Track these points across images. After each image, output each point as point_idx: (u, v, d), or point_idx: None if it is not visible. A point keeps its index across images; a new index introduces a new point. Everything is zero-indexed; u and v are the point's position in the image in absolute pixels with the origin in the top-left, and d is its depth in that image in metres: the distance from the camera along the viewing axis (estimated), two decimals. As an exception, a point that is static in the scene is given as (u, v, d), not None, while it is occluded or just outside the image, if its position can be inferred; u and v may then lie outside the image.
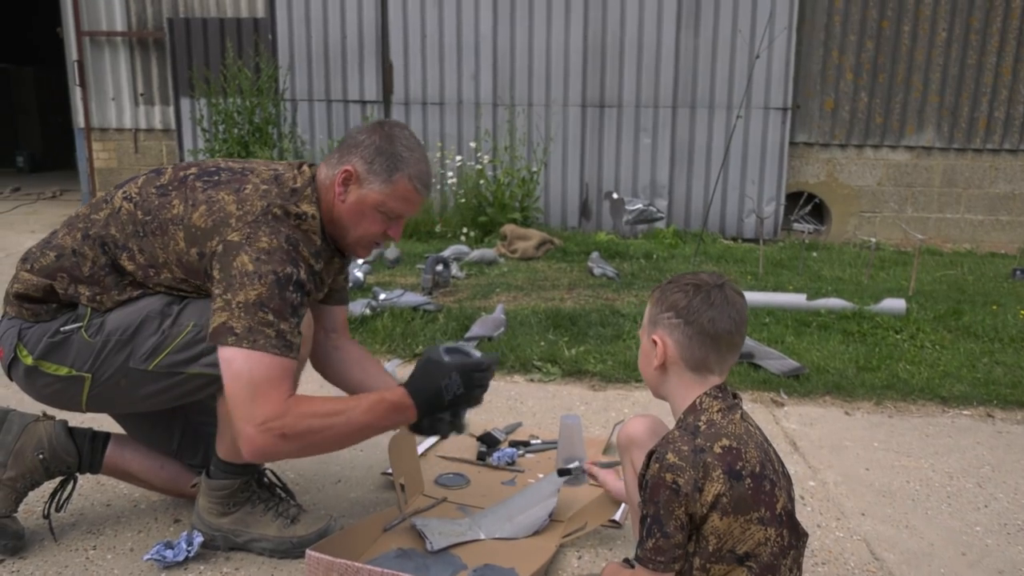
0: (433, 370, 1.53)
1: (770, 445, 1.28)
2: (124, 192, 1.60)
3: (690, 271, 1.37)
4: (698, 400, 1.26)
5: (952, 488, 2.10)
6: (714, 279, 1.30)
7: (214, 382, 1.52)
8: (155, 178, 1.60)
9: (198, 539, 1.65)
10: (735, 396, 1.29)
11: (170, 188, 1.57)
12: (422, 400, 1.52)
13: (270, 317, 1.42)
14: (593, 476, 1.81)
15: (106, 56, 6.60)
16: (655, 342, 1.29)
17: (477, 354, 1.58)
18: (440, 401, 1.52)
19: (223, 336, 1.41)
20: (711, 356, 1.27)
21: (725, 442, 1.20)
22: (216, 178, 1.57)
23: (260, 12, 6.29)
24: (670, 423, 1.33)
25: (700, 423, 1.23)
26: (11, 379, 1.63)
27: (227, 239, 1.47)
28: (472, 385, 1.53)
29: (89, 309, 1.57)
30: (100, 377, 1.56)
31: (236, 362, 1.40)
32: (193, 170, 1.60)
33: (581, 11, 5.95)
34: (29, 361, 1.57)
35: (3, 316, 1.63)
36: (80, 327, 1.55)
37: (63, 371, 1.56)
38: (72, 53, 6.57)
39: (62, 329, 1.55)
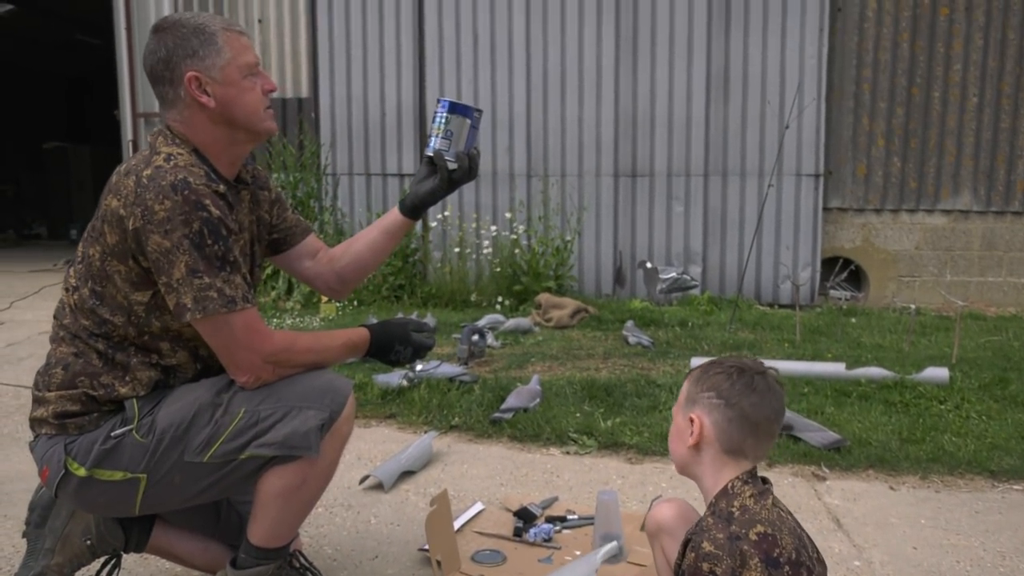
0: (393, 326, 1.79)
1: (803, 530, 1.28)
2: (64, 287, 1.63)
3: (730, 355, 1.39)
4: (730, 484, 1.26)
5: (1005, 569, 2.03)
6: (757, 365, 1.31)
7: (266, 463, 1.55)
8: (74, 257, 1.64)
9: None
10: (765, 481, 1.29)
11: (86, 246, 1.58)
12: (376, 341, 1.75)
13: (206, 280, 1.48)
14: None
15: (159, 136, 6.94)
16: (692, 420, 1.30)
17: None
18: (391, 345, 1.77)
19: (182, 315, 1.49)
20: (748, 441, 1.28)
21: (760, 529, 1.19)
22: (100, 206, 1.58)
23: (304, 92, 6.59)
24: (696, 503, 1.33)
25: (734, 509, 1.23)
26: (57, 496, 1.61)
27: (130, 231, 1.47)
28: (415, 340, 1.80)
29: (137, 409, 1.56)
30: (155, 476, 1.55)
31: (205, 332, 1.52)
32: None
33: (612, 88, 6.12)
34: (82, 472, 1.54)
35: (36, 440, 1.60)
36: (131, 429, 1.54)
37: (118, 475, 1.54)
38: (127, 133, 6.92)
39: (113, 434, 1.54)
